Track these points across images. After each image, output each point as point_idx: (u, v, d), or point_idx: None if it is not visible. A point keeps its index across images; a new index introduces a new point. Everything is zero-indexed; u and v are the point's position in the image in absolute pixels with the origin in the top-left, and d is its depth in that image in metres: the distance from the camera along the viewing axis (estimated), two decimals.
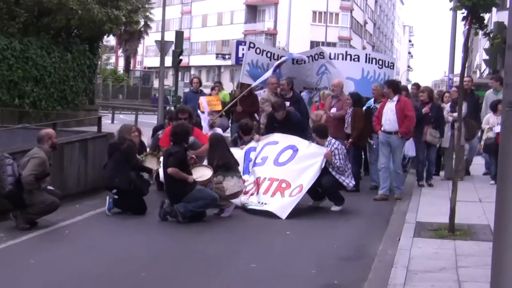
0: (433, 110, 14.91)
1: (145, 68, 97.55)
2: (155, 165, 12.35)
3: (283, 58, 16.40)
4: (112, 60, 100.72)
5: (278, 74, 16.01)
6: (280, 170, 12.51)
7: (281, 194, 12.12)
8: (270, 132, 13.86)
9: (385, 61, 16.91)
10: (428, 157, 15.22)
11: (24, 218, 10.25)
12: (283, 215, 11.65)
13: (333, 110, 15.12)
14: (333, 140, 12.67)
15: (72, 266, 8.36)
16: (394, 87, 13.83)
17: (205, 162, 12.31)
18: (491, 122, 15.07)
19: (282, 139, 13.22)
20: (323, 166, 12.25)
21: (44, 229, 10.36)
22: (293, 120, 14.01)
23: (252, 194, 12.40)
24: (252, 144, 13.53)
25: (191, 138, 12.42)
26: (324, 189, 12.56)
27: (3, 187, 10.03)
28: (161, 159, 12.08)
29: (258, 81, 16.16)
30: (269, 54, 17.20)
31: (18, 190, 10.13)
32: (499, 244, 5.57)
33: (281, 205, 11.84)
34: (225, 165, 11.80)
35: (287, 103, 15.74)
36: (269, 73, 15.89)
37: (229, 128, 17.23)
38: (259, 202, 12.12)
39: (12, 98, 23.06)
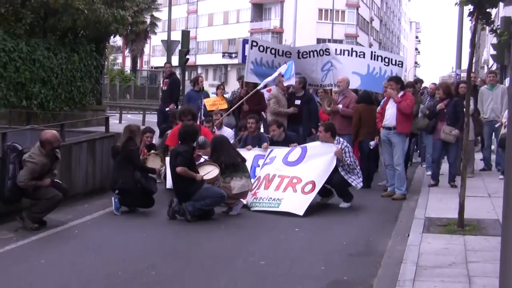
0: (450, 106, 14.23)
1: (152, 68, 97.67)
2: (158, 164, 12.39)
3: (283, 68, 16.09)
4: (119, 60, 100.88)
5: (285, 75, 15.88)
6: (290, 168, 12.47)
7: (293, 189, 12.07)
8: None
9: (391, 59, 16.74)
10: (447, 157, 14.52)
11: (30, 218, 10.25)
12: (300, 211, 11.58)
13: (339, 107, 15.09)
14: (341, 139, 12.68)
15: (81, 266, 8.37)
16: (399, 83, 13.72)
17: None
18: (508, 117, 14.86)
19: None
20: (334, 165, 12.22)
21: (53, 229, 10.38)
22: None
23: (258, 190, 12.35)
24: (260, 151, 13.47)
25: (201, 138, 12.42)
26: (334, 186, 12.56)
27: (3, 191, 10.08)
28: (167, 159, 12.12)
29: (265, 81, 16.10)
30: (273, 51, 17.14)
31: (17, 195, 10.17)
32: (507, 238, 5.55)
33: (296, 202, 11.80)
34: (232, 165, 11.78)
35: (298, 102, 15.76)
36: (275, 75, 15.82)
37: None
38: (270, 199, 12.06)
39: (19, 100, 23.08)
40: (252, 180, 12.45)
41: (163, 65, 20.71)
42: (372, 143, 14.21)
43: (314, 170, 12.23)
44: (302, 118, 15.79)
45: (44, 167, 10.37)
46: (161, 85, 21.25)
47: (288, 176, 12.32)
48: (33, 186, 10.18)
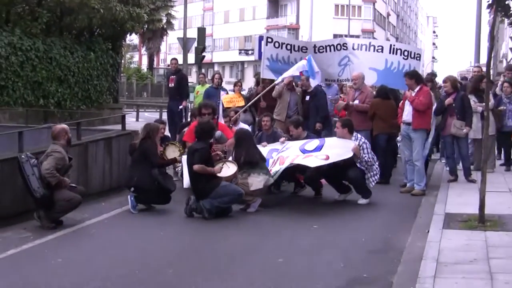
0: (457, 100, 14.06)
1: (168, 65, 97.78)
2: (177, 153, 12.31)
3: (302, 64, 15.94)
4: (136, 58, 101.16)
5: (306, 72, 15.71)
6: (306, 154, 12.40)
7: (307, 157, 12.09)
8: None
9: (411, 52, 16.52)
10: (460, 151, 14.37)
11: (48, 218, 10.25)
12: (312, 164, 11.76)
13: (356, 102, 14.98)
14: (359, 135, 12.59)
15: (98, 264, 8.36)
16: (415, 77, 13.54)
17: (230, 158, 12.23)
18: None
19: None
20: (350, 156, 12.13)
21: (70, 228, 10.37)
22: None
23: (273, 166, 12.35)
24: (276, 145, 13.37)
25: (218, 132, 12.47)
26: (352, 181, 12.48)
27: (36, 190, 10.02)
28: (183, 156, 12.09)
29: (282, 76, 15.95)
30: (288, 47, 17.00)
31: (49, 192, 10.13)
32: None
33: (309, 159, 11.89)
34: (251, 162, 11.72)
35: (308, 97, 15.63)
36: (293, 70, 15.65)
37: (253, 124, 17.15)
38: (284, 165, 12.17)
39: (36, 99, 23.13)
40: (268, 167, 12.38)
41: (180, 63, 20.56)
42: (398, 138, 14.10)
43: (329, 152, 12.15)
44: (309, 114, 15.60)
45: (65, 161, 10.39)
46: (167, 82, 21.01)
47: (303, 155, 12.29)
48: (57, 179, 10.14)
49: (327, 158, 11.94)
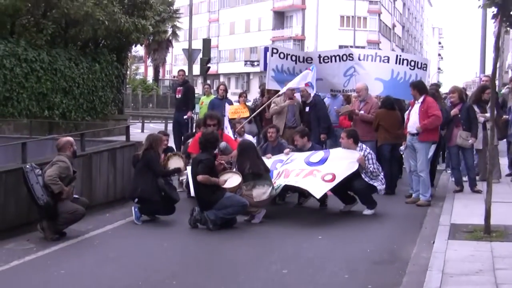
0: (463, 111, 14.00)
1: (174, 77, 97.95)
2: (181, 163, 12.28)
3: (307, 75, 15.89)
4: (141, 70, 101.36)
5: (311, 84, 15.68)
6: (311, 167, 12.33)
7: (313, 176, 11.94)
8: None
9: (417, 62, 16.48)
10: (465, 162, 14.23)
11: (52, 229, 10.21)
12: (318, 193, 11.67)
13: (361, 112, 14.94)
14: (364, 146, 12.55)
15: (102, 276, 8.32)
16: (419, 87, 13.46)
17: (234, 169, 12.19)
18: None
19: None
20: (356, 169, 12.09)
21: (73, 239, 10.33)
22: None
23: (278, 179, 12.26)
24: (280, 156, 13.32)
25: (223, 144, 12.46)
26: (357, 192, 12.44)
27: (39, 198, 9.98)
28: (188, 167, 12.07)
29: (287, 87, 15.89)
30: (294, 58, 17.02)
31: (53, 202, 10.09)
32: None
33: (315, 184, 11.73)
34: (255, 174, 11.66)
35: (307, 109, 15.61)
36: (299, 81, 15.60)
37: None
38: (289, 182, 12.04)
39: (41, 110, 23.21)
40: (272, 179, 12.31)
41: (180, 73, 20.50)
42: (402, 148, 14.01)
43: (335, 167, 12.08)
44: (311, 125, 15.54)
45: (69, 171, 10.37)
46: (174, 94, 21.01)
47: (309, 169, 12.21)
48: (60, 188, 10.10)
49: (333, 178, 11.80)
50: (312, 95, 15.64)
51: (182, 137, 17.41)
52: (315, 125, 15.36)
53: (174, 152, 13.01)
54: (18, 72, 22.01)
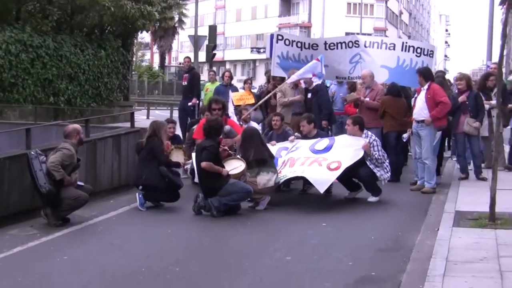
0: (471, 98, 13.96)
1: (180, 64, 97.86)
2: (182, 158, 12.30)
3: (314, 65, 15.78)
4: (147, 56, 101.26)
5: (320, 74, 15.59)
6: (316, 155, 12.29)
7: (318, 164, 11.89)
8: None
9: (423, 49, 16.36)
10: (471, 149, 14.21)
11: (55, 215, 10.20)
12: (322, 188, 11.60)
13: (367, 99, 14.88)
14: (369, 133, 12.50)
15: (105, 262, 8.31)
16: (425, 74, 13.39)
17: (238, 155, 12.16)
18: None
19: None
20: (361, 156, 12.05)
21: (77, 225, 10.33)
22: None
23: (283, 169, 12.20)
24: (285, 144, 13.27)
25: (227, 127, 12.46)
26: (362, 179, 12.41)
27: (42, 185, 9.97)
28: (193, 154, 12.04)
29: (296, 75, 15.76)
30: (299, 44, 16.91)
31: (56, 189, 10.08)
32: None
33: (320, 177, 11.66)
34: (259, 160, 11.63)
35: (309, 95, 15.55)
36: (307, 72, 15.49)
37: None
38: (294, 172, 11.98)
39: (47, 96, 23.20)
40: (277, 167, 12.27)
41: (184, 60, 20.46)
42: (404, 135, 13.96)
43: (341, 155, 12.04)
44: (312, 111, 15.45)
45: (73, 158, 10.34)
46: (180, 80, 21.00)
47: (314, 157, 12.17)
48: (62, 175, 10.08)
49: (339, 166, 11.75)
50: (315, 83, 15.58)
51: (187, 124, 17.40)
52: (316, 111, 15.26)
53: (177, 146, 12.93)
54: (24, 58, 21.99)
